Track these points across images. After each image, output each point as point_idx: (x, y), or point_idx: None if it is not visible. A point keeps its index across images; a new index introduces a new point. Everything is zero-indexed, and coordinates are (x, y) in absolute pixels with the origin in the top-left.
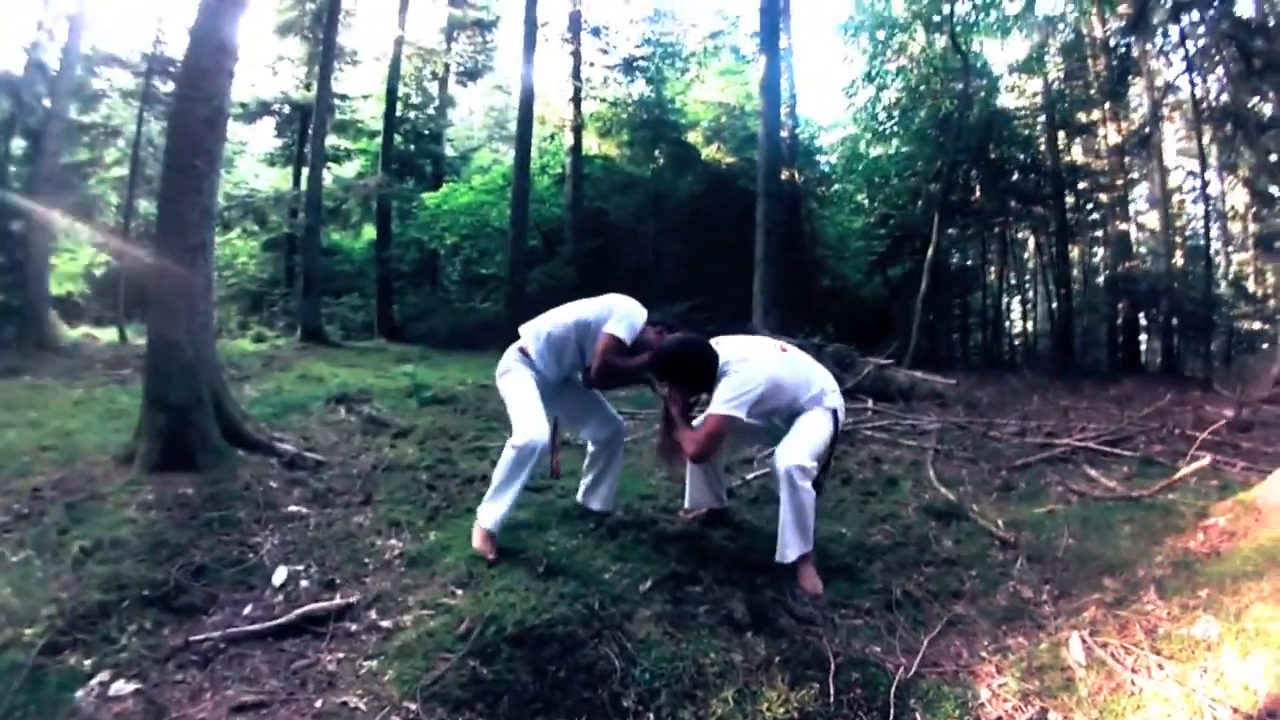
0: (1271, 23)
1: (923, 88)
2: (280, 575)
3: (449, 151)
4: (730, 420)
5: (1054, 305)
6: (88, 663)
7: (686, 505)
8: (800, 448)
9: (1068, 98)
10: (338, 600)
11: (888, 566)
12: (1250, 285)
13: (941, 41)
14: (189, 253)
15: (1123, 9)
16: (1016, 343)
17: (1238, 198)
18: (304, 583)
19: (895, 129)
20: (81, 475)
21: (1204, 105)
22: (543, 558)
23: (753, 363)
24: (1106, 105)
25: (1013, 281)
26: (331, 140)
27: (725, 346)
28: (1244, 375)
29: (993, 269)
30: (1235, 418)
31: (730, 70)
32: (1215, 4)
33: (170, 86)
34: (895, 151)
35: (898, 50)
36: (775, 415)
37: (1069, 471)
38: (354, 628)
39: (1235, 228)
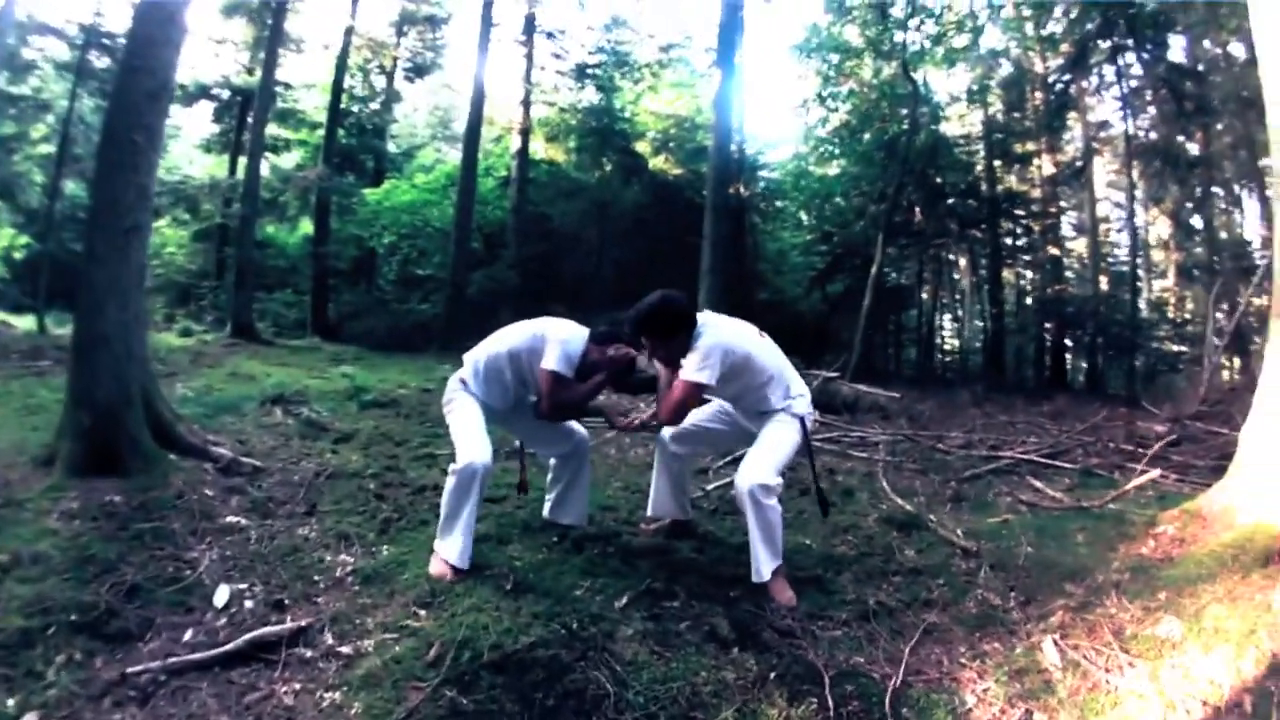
0: (1202, 68)
1: (872, 111)
2: (222, 595)
3: (392, 148)
4: (699, 387)
5: (986, 324)
6: (11, 702)
7: (650, 513)
8: (764, 464)
9: (1007, 129)
10: (289, 624)
11: (856, 577)
12: (1170, 311)
13: (890, 69)
14: (122, 236)
15: (1064, 47)
16: (949, 359)
17: (1160, 229)
18: (249, 603)
19: (843, 149)
20: None
21: (1135, 142)
22: (509, 573)
23: (727, 332)
24: (1043, 138)
25: (945, 301)
26: (272, 129)
27: (706, 316)
28: (1170, 393)
29: (927, 288)
30: (1168, 434)
31: (682, 83)
32: (1150, 48)
33: (107, 61)
34: (841, 171)
35: (848, 74)
36: (742, 403)
37: (1015, 483)
38: (309, 654)
39: (1157, 256)
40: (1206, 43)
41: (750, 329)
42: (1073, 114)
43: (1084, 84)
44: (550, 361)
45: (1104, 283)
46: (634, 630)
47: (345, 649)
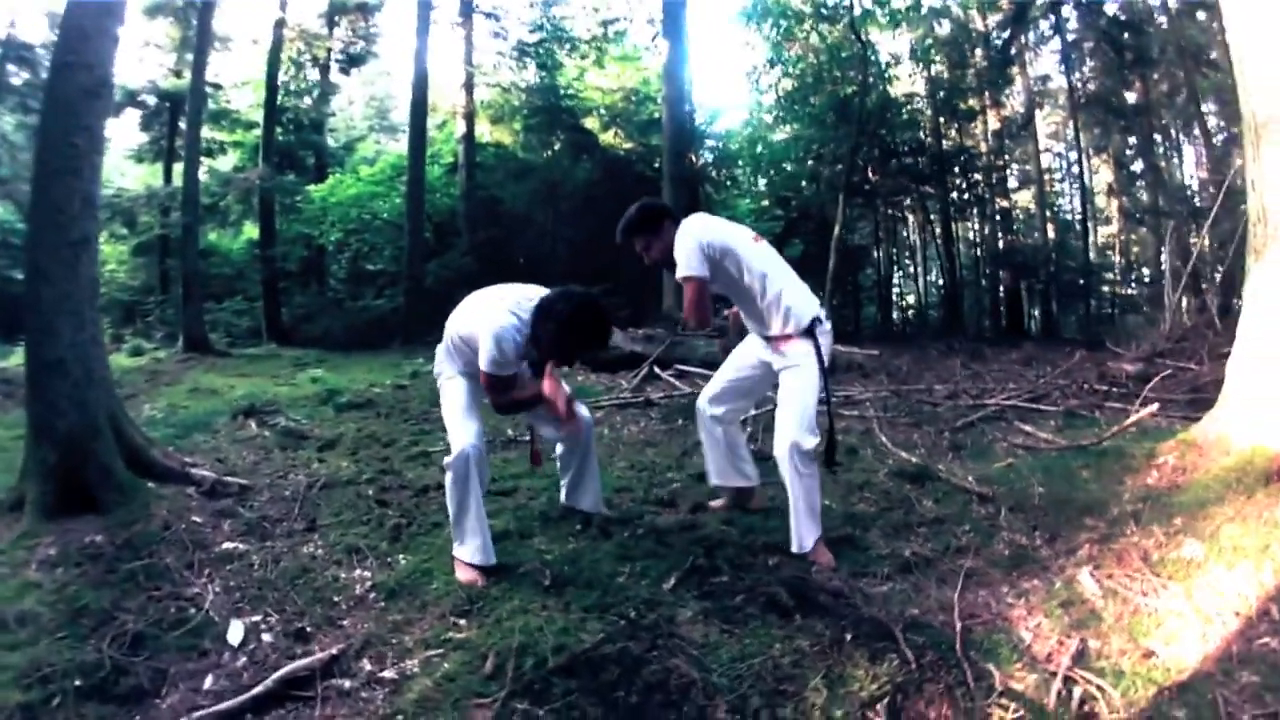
0: (1139, 19)
1: (823, 74)
2: (237, 632)
3: (331, 143)
4: (695, 281)
5: (942, 279)
6: None
7: (713, 482)
8: (794, 424)
9: (952, 86)
10: (318, 654)
11: (884, 532)
12: (1116, 255)
13: (836, 31)
14: (69, 249)
15: (1003, 4)
16: (908, 315)
17: (1103, 177)
18: (266, 636)
19: (794, 114)
20: None
21: (1078, 94)
22: (544, 569)
23: (703, 225)
24: (986, 94)
25: (899, 258)
26: (206, 132)
27: (694, 216)
28: (1130, 334)
29: (882, 247)
30: (1141, 372)
31: (627, 57)
32: (1088, 1)
33: (27, 75)
34: (794, 135)
35: (796, 39)
36: (749, 318)
37: (1005, 428)
38: (349, 684)
39: (1100, 203)
40: None
41: (740, 229)
42: (1014, 69)
43: (1024, 39)
44: (483, 363)
45: (1051, 231)
46: (692, 611)
47: (388, 673)
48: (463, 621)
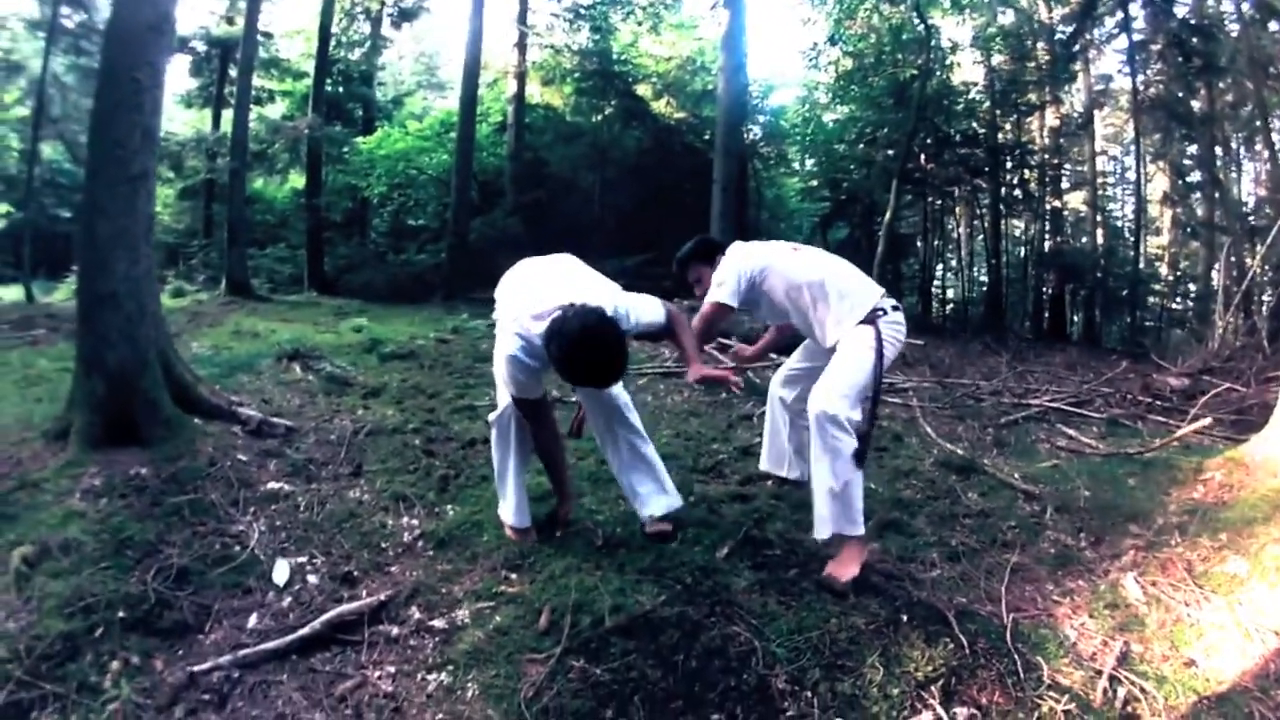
0: (1208, 23)
1: (884, 55)
2: (282, 572)
3: (379, 96)
4: (719, 305)
5: (985, 275)
6: None
7: (762, 467)
8: (832, 386)
9: (1012, 78)
10: (366, 599)
11: (930, 520)
12: (1164, 268)
13: (898, 13)
14: (128, 184)
15: None
16: (948, 309)
17: (1158, 185)
18: (313, 578)
19: (853, 93)
20: (3, 458)
21: (1141, 97)
22: (596, 529)
23: (744, 253)
24: (1046, 89)
25: (943, 250)
26: (255, 80)
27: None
28: (1175, 349)
29: (928, 237)
30: (1186, 388)
31: (683, 25)
32: (1158, 2)
33: (82, 17)
34: (848, 116)
35: (859, 17)
36: (809, 331)
37: (1049, 429)
38: (396, 631)
39: (1153, 212)
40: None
41: (777, 245)
42: (1076, 66)
43: (1089, 36)
44: (510, 390)
45: (1100, 236)
46: (747, 581)
47: (438, 622)
48: (514, 576)
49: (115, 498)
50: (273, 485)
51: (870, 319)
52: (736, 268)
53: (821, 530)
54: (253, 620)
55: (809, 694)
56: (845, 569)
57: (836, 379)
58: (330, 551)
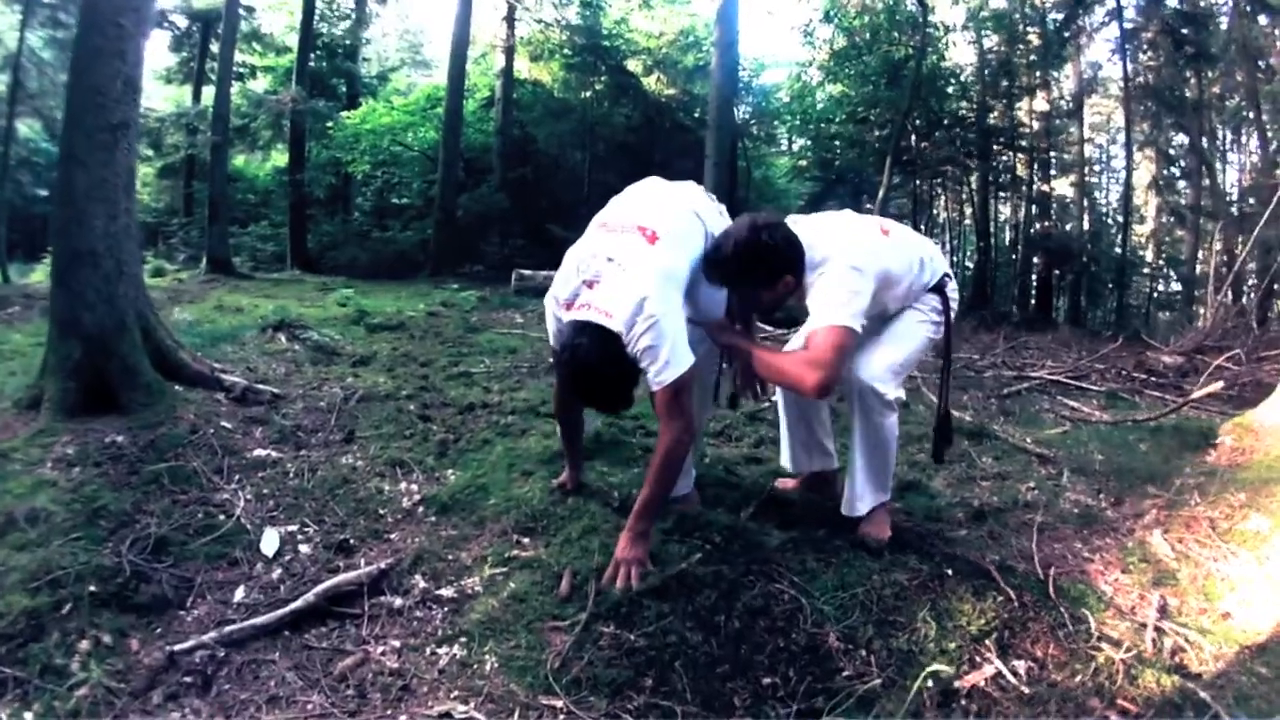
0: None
1: (880, 33)
2: (272, 541)
3: (364, 72)
4: (853, 332)
5: (973, 257)
6: (29, 715)
7: (789, 468)
8: (879, 361)
9: (1003, 62)
10: (364, 567)
11: (948, 482)
12: (1148, 253)
13: None
14: (108, 133)
15: None
16: None
17: (1145, 171)
18: (305, 548)
19: (847, 71)
20: None
21: (1131, 83)
22: (611, 490)
23: (857, 251)
24: (1037, 73)
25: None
26: (237, 55)
27: (807, 228)
28: (1164, 330)
29: (917, 218)
30: (1180, 365)
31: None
32: None
33: None
34: (845, 94)
35: None
36: (879, 310)
37: (1051, 400)
38: (400, 602)
39: (1139, 197)
40: None
41: (871, 229)
42: (1068, 51)
43: (1082, 22)
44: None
45: (1087, 222)
46: (778, 540)
47: (446, 591)
48: (526, 540)
49: (89, 466)
50: (259, 452)
51: (939, 285)
52: (861, 275)
53: (855, 505)
54: (240, 594)
55: (863, 652)
56: (879, 528)
57: (886, 349)
58: (323, 519)
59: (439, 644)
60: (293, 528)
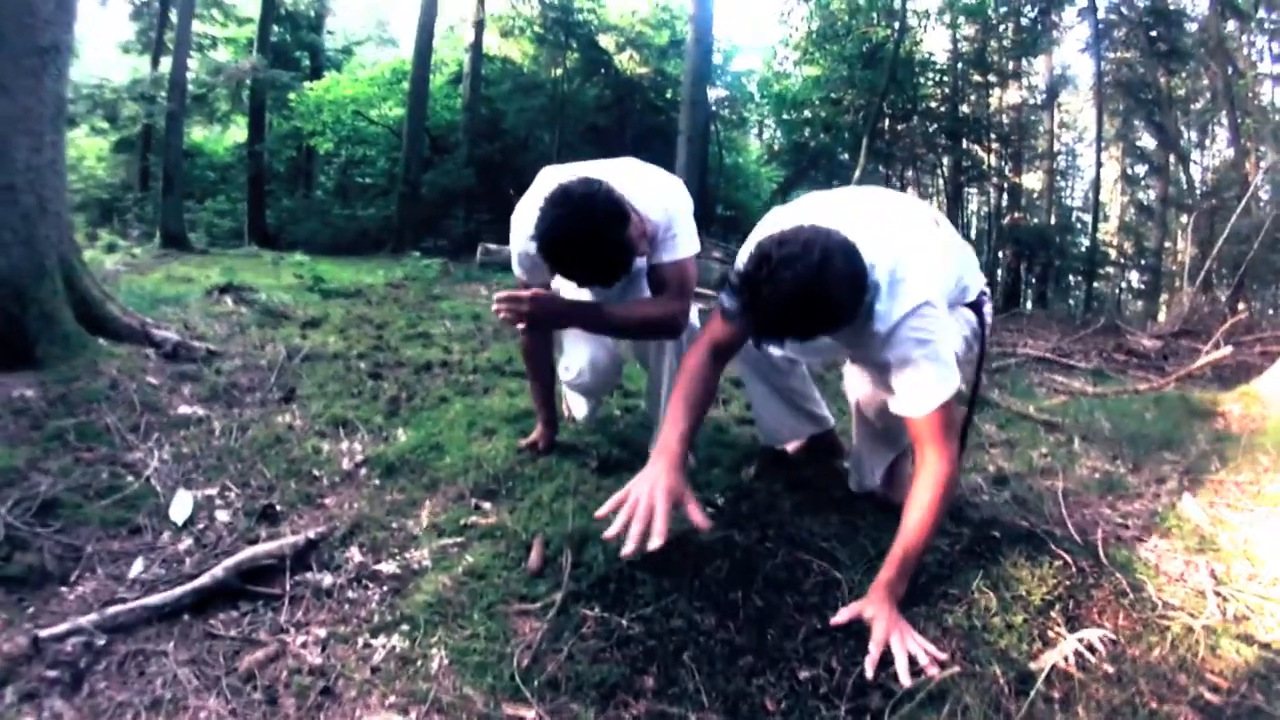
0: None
1: (857, 15)
2: (183, 506)
3: (328, 44)
4: (958, 393)
5: None
6: None
7: (766, 442)
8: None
9: (977, 52)
10: (289, 537)
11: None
12: (1115, 245)
13: None
14: (35, 57)
15: None
16: None
17: (1114, 165)
18: (222, 515)
19: (823, 52)
20: None
21: (1104, 78)
22: (590, 449)
23: (924, 271)
24: (1010, 65)
25: None
26: (196, 26)
27: (850, 223)
28: (1135, 318)
29: None
30: (1159, 348)
31: None
32: None
33: None
34: (814, 79)
35: None
36: None
37: (1041, 375)
38: (330, 580)
39: (1109, 190)
40: None
41: (922, 222)
42: (1041, 44)
43: (1056, 16)
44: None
45: (1053, 216)
46: (793, 501)
47: (387, 566)
48: (488, 504)
49: None
50: (184, 409)
51: (976, 303)
52: (934, 317)
53: (864, 481)
54: (137, 568)
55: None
56: (899, 490)
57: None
58: (248, 482)
59: (374, 633)
60: (211, 491)
